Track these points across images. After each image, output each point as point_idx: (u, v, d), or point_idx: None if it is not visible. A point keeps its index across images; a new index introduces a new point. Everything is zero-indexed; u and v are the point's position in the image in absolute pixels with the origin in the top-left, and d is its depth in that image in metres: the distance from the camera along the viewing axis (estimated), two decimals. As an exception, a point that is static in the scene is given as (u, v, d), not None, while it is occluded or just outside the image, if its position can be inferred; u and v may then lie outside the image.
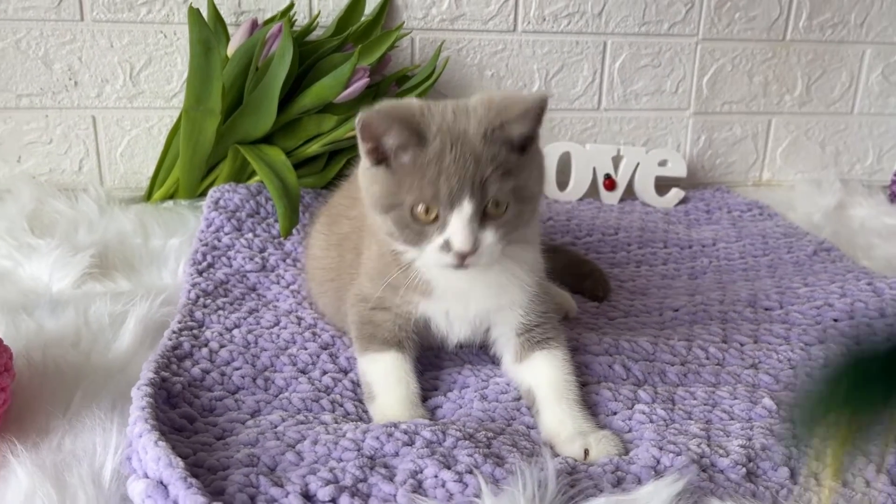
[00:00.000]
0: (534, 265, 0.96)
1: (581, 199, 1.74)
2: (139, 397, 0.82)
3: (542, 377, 0.93)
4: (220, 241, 1.33)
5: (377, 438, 0.80)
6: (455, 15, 1.64)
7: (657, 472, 0.78)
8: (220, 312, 1.12)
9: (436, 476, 0.74)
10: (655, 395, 0.96)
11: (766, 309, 1.23)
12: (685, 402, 0.96)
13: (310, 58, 1.44)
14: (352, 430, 0.82)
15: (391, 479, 0.74)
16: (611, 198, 1.73)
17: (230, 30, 1.50)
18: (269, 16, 1.53)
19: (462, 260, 0.83)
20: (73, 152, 1.58)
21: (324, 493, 0.71)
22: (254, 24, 1.45)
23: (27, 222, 1.36)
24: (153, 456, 0.71)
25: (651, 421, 0.90)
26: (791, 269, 1.41)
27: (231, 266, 1.28)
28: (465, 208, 0.81)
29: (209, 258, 1.28)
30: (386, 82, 1.52)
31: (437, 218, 0.83)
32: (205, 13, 1.46)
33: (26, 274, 1.23)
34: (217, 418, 0.88)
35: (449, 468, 0.75)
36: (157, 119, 1.58)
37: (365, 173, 0.88)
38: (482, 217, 0.82)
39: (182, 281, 1.22)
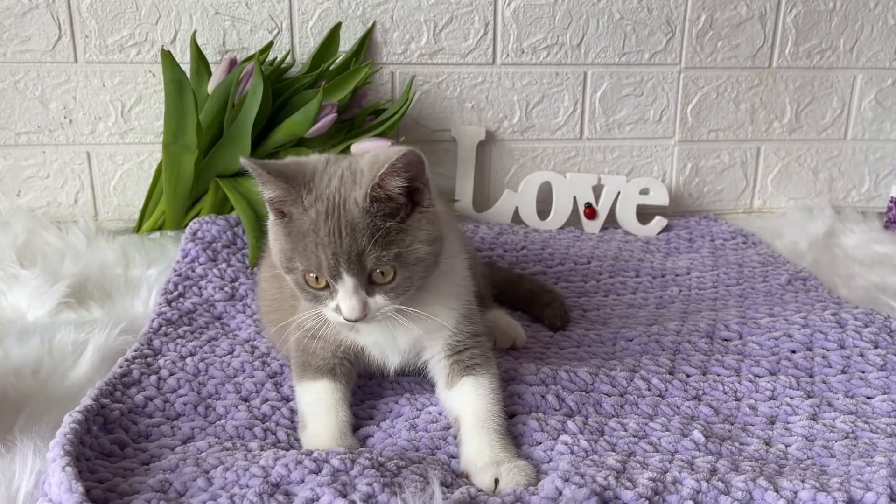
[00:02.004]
0: (456, 291, 0.97)
1: (562, 228, 1.75)
2: (67, 423, 0.86)
3: (467, 405, 0.94)
4: (193, 271, 1.38)
5: (286, 466, 0.82)
6: (434, 49, 1.68)
7: (557, 503, 0.79)
8: (179, 341, 1.16)
9: (329, 504, 0.76)
10: (584, 427, 0.96)
11: (724, 339, 1.22)
12: (614, 434, 0.96)
13: (284, 94, 1.50)
14: (266, 458, 0.85)
15: (286, 506, 0.76)
16: (592, 226, 1.74)
17: (213, 68, 1.56)
18: (251, 54, 1.59)
19: (355, 322, 0.86)
20: (68, 186, 1.66)
21: (218, 519, 0.74)
22: (232, 63, 1.51)
23: (16, 253, 1.44)
24: (57, 480, 0.74)
25: (572, 452, 0.91)
26: (761, 299, 1.39)
27: (201, 295, 1.32)
28: (347, 281, 0.83)
29: (180, 288, 1.33)
30: (360, 116, 1.56)
31: (327, 285, 0.86)
32: (188, 52, 1.53)
33: (7, 303, 1.29)
34: (149, 444, 0.92)
35: (344, 496, 0.76)
36: (148, 154, 1.65)
37: (270, 226, 0.91)
38: (370, 282, 0.85)
39: (150, 310, 1.28)
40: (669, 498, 0.81)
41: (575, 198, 1.74)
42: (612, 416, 1.01)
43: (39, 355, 1.10)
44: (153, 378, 1.04)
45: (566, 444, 0.92)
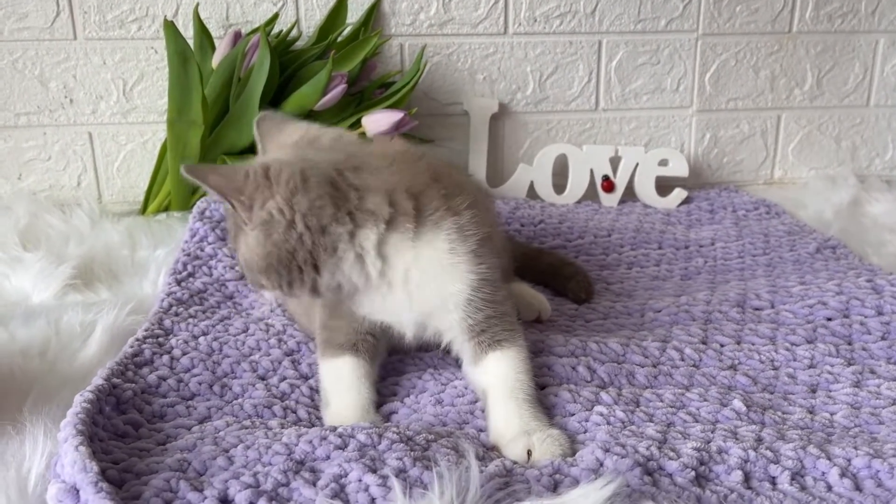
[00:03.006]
0: (457, 266, 0.89)
1: (579, 202, 1.70)
2: (78, 403, 0.82)
3: (494, 377, 0.90)
4: (202, 250, 1.33)
5: (310, 442, 0.78)
6: (444, 20, 1.63)
7: (599, 475, 0.75)
8: (191, 320, 1.12)
9: (359, 480, 0.71)
10: (619, 398, 0.92)
11: (756, 309, 1.17)
12: (650, 405, 0.91)
13: (292, 66, 1.45)
14: (288, 435, 0.80)
15: (313, 483, 0.72)
16: (610, 200, 1.69)
17: (217, 43, 1.51)
18: (256, 27, 1.54)
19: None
20: (71, 168, 1.61)
21: (241, 498, 0.69)
22: (237, 36, 1.46)
23: (19, 237, 1.39)
24: (70, 460, 0.70)
25: (608, 423, 0.86)
26: (790, 268, 1.35)
27: (211, 275, 1.28)
28: None
29: (190, 267, 1.28)
30: (370, 89, 1.51)
31: None
32: (191, 26, 1.48)
33: (11, 286, 1.25)
34: (164, 424, 0.88)
35: (374, 472, 0.72)
36: (152, 133, 1.61)
37: None
38: None
39: (159, 290, 1.23)
40: (716, 468, 0.77)
41: (592, 170, 1.69)
42: (647, 387, 0.96)
43: (46, 336, 1.06)
44: (165, 358, 1.00)
45: (602, 414, 0.87)
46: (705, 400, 0.92)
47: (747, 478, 0.76)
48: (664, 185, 1.70)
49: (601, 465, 0.76)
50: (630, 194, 1.71)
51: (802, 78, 1.79)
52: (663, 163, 1.70)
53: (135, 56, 1.56)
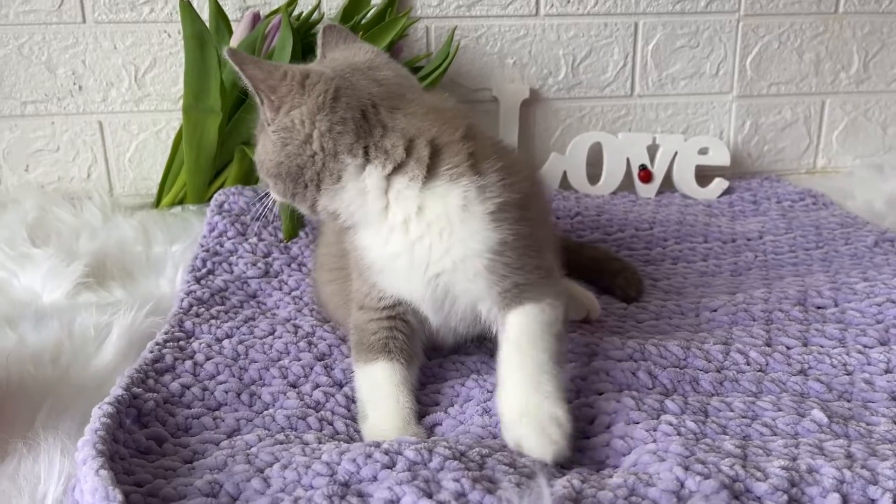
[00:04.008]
0: (468, 225, 0.80)
1: (614, 193, 1.61)
2: (96, 417, 0.74)
3: (506, 345, 0.80)
4: (222, 246, 1.26)
5: (354, 461, 0.70)
6: (472, 0, 1.54)
7: (680, 497, 0.67)
8: (213, 322, 1.05)
9: (414, 506, 0.64)
10: (685, 406, 0.84)
11: (818, 307, 1.09)
12: (720, 415, 0.83)
13: (315, 50, 1.36)
14: (329, 452, 0.73)
15: (363, 510, 0.64)
16: (647, 190, 1.60)
17: (234, 26, 1.43)
18: (275, 8, 1.46)
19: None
20: (80, 159, 1.53)
21: (283, 528, 0.62)
22: (255, 18, 1.38)
23: (28, 232, 1.32)
24: (90, 487, 0.63)
25: (679, 434, 0.78)
26: (848, 263, 1.27)
27: (232, 272, 1.21)
28: None
29: (209, 264, 1.21)
30: (397, 73, 1.43)
31: None
32: (206, 8, 1.40)
33: (20, 285, 1.18)
34: (190, 439, 0.80)
35: (430, 496, 0.64)
36: (165, 122, 1.53)
37: None
38: None
39: (178, 289, 1.16)
40: (809, 490, 0.69)
41: (628, 159, 1.60)
42: (713, 395, 0.88)
43: (59, 341, 0.99)
44: (188, 363, 0.93)
45: (671, 424, 0.79)
46: (780, 409, 0.84)
47: (845, 501, 0.68)
48: (701, 175, 1.62)
49: (682, 485, 0.68)
50: (668, 184, 1.62)
51: (848, 61, 1.70)
52: (703, 151, 1.62)
53: (147, 40, 1.48)
